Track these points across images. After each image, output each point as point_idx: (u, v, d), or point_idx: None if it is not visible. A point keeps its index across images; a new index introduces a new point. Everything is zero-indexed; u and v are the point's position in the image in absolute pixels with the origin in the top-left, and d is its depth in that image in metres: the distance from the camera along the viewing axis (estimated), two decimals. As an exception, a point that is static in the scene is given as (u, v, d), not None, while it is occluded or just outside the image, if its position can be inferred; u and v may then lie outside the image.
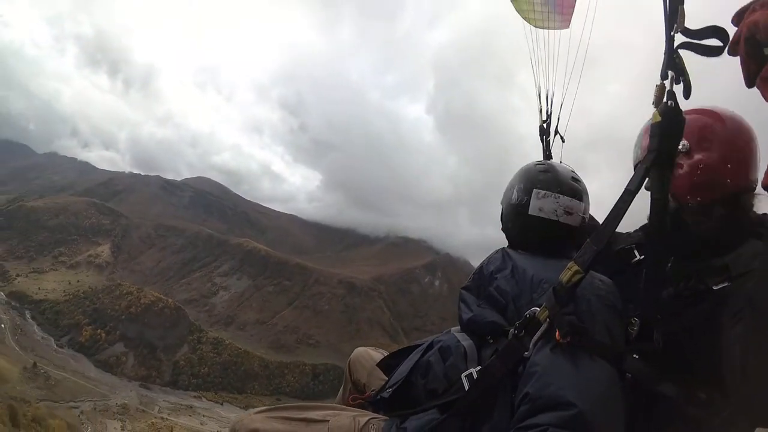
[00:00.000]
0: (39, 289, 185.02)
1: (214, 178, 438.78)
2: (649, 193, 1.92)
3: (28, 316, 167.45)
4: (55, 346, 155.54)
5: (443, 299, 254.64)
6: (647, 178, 1.90)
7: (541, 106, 3.95)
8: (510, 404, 1.81)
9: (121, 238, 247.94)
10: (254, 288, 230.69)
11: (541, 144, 4.05)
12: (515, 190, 2.47)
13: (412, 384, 2.18)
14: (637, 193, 1.90)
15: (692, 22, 1.82)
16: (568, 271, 1.84)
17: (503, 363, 1.87)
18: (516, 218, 2.46)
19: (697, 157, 2.17)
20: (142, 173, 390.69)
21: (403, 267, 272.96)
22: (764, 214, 2.18)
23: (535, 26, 4.09)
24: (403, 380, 2.19)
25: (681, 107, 1.90)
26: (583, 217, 2.40)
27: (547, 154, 3.93)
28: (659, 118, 1.88)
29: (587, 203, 2.44)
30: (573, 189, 2.39)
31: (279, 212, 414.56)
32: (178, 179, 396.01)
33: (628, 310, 2.00)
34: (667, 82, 1.89)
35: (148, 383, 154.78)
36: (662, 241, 1.91)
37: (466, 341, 2.11)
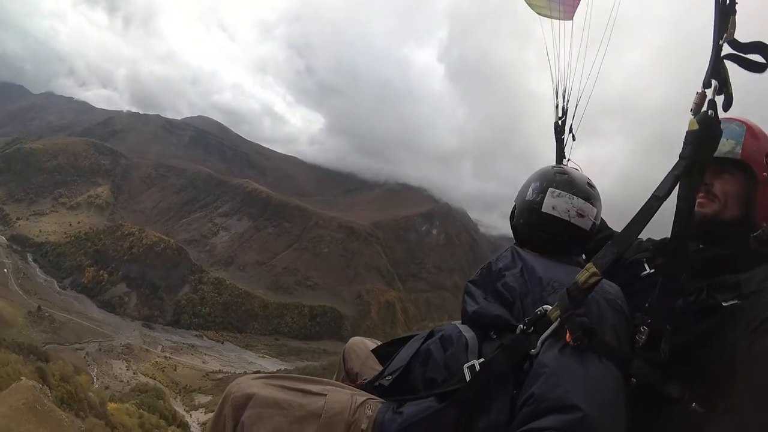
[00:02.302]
0: (40, 231, 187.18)
1: (214, 118, 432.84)
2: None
3: (30, 259, 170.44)
4: (58, 289, 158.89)
5: (439, 249, 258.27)
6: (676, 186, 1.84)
7: (557, 102, 3.83)
8: (510, 400, 1.81)
9: (120, 179, 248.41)
10: (254, 229, 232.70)
11: (555, 142, 3.92)
12: (531, 188, 2.48)
13: (410, 371, 2.18)
14: (665, 200, 1.85)
15: (740, 34, 1.76)
16: (586, 272, 1.82)
17: (508, 357, 1.86)
18: (528, 215, 2.47)
19: None
20: (142, 112, 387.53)
21: (401, 214, 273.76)
22: None
23: (538, 13, 4.03)
24: (403, 368, 2.19)
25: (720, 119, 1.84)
26: (594, 223, 2.42)
27: (561, 153, 3.83)
28: (696, 127, 1.83)
29: (599, 210, 2.46)
30: (587, 193, 2.41)
31: (280, 154, 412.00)
32: (179, 118, 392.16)
33: (636, 318, 1.98)
34: (708, 91, 1.84)
35: (151, 323, 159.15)
36: (683, 252, 1.87)
37: (468, 333, 2.10)
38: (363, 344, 3.08)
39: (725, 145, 2.14)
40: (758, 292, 1.85)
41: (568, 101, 3.73)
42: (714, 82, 1.82)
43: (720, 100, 1.82)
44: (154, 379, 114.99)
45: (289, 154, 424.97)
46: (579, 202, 2.37)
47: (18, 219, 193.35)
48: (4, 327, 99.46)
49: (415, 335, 2.44)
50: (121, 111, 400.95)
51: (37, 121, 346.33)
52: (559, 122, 3.80)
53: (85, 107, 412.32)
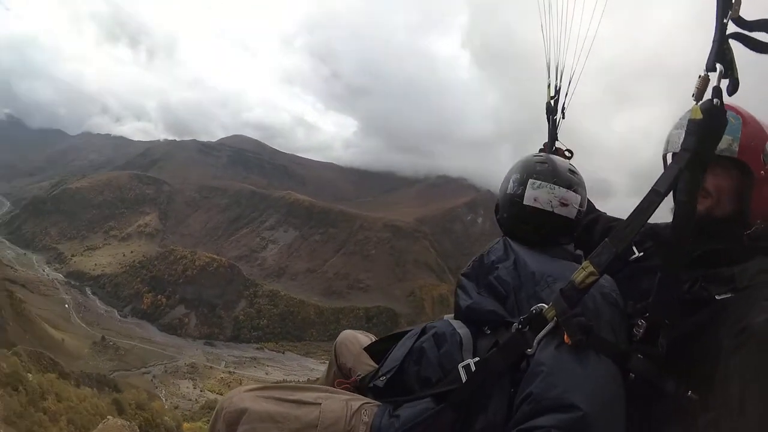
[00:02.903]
0: (95, 265, 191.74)
1: (248, 135, 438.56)
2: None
3: (88, 292, 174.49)
4: (119, 317, 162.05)
5: (486, 236, 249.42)
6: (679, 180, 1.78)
7: (550, 81, 3.60)
8: (508, 398, 1.78)
9: (166, 205, 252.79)
10: (301, 238, 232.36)
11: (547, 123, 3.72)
12: (511, 181, 2.44)
13: (404, 370, 2.13)
14: (666, 195, 1.79)
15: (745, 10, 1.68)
16: (583, 272, 1.76)
17: (504, 357, 1.83)
18: (511, 208, 2.43)
19: None
20: (178, 139, 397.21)
21: (444, 206, 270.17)
22: None
23: None
24: (397, 368, 2.15)
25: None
26: (579, 210, 2.38)
27: (553, 134, 3.64)
28: (700, 116, 1.75)
29: (584, 195, 2.41)
30: (569, 180, 2.36)
31: (317, 161, 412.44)
32: (214, 140, 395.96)
33: (631, 309, 1.97)
34: (712, 75, 1.75)
35: (212, 340, 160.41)
36: (684, 248, 1.81)
37: (461, 329, 2.06)
38: (355, 338, 3.02)
39: (722, 142, 1.99)
40: (751, 287, 1.83)
41: (561, 78, 3.52)
42: (719, 66, 1.72)
43: (724, 83, 1.73)
44: (221, 394, 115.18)
45: (326, 161, 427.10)
46: (561, 191, 2.33)
47: (73, 256, 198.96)
48: (71, 359, 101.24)
49: (408, 331, 2.39)
50: (158, 140, 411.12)
51: (78, 161, 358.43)
52: (551, 102, 3.64)
53: (122, 141, 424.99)
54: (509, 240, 2.31)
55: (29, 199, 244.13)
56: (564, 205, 2.32)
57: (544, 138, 3.02)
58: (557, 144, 3.56)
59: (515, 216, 2.41)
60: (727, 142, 2.01)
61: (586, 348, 1.70)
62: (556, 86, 3.58)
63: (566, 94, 3.55)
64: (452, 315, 2.28)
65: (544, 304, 1.81)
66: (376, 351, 2.60)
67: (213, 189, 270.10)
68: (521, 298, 1.99)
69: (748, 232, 2.04)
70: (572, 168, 2.45)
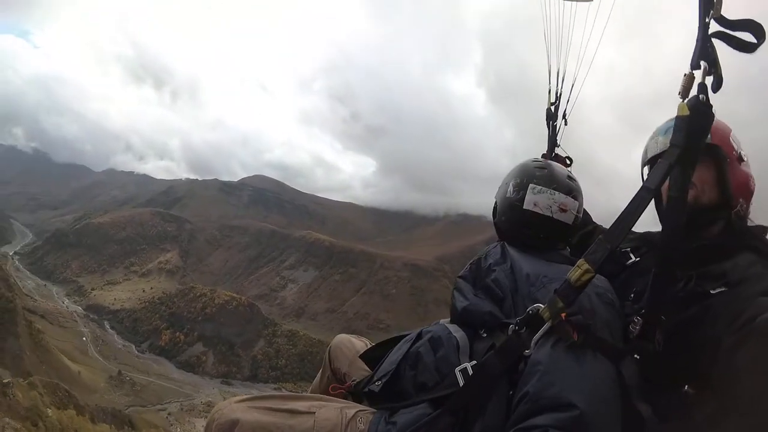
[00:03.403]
0: (115, 299, 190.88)
1: (269, 175, 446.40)
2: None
3: (107, 326, 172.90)
4: (137, 352, 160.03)
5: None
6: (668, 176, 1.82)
7: (551, 87, 3.54)
8: (506, 401, 1.77)
9: (187, 243, 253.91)
10: (321, 278, 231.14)
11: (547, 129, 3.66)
12: (511, 185, 2.46)
13: (400, 375, 2.10)
14: (656, 191, 1.83)
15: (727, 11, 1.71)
16: (578, 270, 1.77)
17: (502, 360, 1.81)
18: (510, 212, 2.45)
19: (745, 165, 2.18)
20: (200, 178, 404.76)
21: (465, 244, 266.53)
22: (759, 226, 2.18)
23: None
24: (393, 372, 2.12)
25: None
26: (576, 216, 2.41)
27: (553, 141, 3.58)
28: (687, 112, 1.79)
29: (581, 203, 2.44)
30: (569, 187, 2.39)
31: (336, 201, 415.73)
32: (235, 180, 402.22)
33: (626, 307, 2.00)
34: (697, 73, 1.79)
35: (230, 379, 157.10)
36: (677, 243, 1.84)
37: (458, 332, 2.06)
38: (350, 343, 3.00)
39: None
40: (744, 281, 1.86)
41: (563, 83, 3.49)
42: (703, 63, 1.76)
43: (708, 81, 1.77)
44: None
45: (346, 201, 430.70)
46: (561, 197, 2.35)
47: (93, 289, 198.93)
48: (87, 392, 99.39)
49: (405, 336, 2.38)
50: (180, 179, 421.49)
51: (102, 197, 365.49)
52: (552, 108, 3.60)
53: (145, 179, 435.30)
54: (506, 245, 2.33)
55: (52, 231, 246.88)
56: (563, 210, 2.34)
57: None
58: (557, 150, 3.52)
59: (514, 220, 2.43)
60: None
61: (583, 347, 1.70)
62: (557, 92, 3.53)
63: (568, 100, 3.49)
64: (449, 319, 2.27)
65: (540, 305, 1.82)
66: (372, 358, 2.54)
67: (234, 228, 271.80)
68: (518, 299, 1.99)
69: (734, 211, 2.14)
70: (571, 175, 2.48)
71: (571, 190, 2.39)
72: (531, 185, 2.37)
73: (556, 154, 3.47)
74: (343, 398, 2.47)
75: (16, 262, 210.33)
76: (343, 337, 3.08)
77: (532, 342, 1.75)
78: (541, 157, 3.37)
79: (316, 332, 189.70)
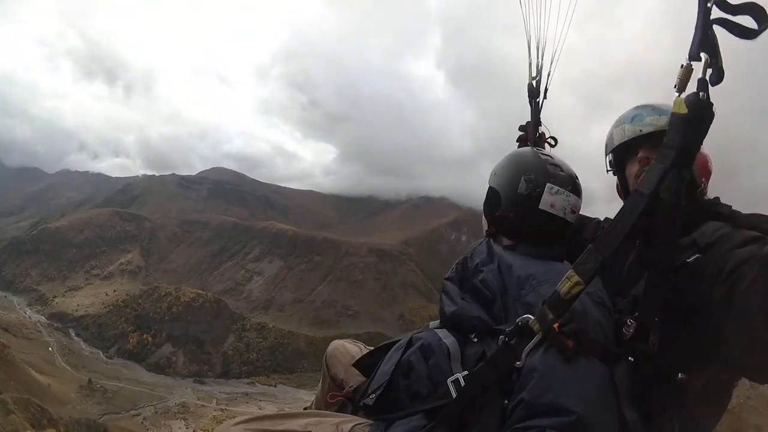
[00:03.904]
0: (78, 305, 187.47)
1: (228, 167, 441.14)
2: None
3: (72, 334, 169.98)
4: (105, 359, 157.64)
5: None
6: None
7: (530, 60, 3.33)
8: (499, 410, 1.76)
9: (148, 241, 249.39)
10: (287, 268, 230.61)
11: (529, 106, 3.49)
12: (523, 180, 2.33)
13: (393, 386, 2.09)
14: (651, 196, 1.74)
15: None
16: (568, 282, 1.72)
17: (493, 371, 1.79)
18: (521, 208, 2.34)
19: (702, 147, 2.08)
20: (157, 174, 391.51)
21: (428, 227, 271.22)
22: (716, 197, 2.21)
23: None
24: (386, 384, 2.11)
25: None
26: (577, 216, 2.40)
27: (536, 119, 3.43)
28: (685, 110, 1.69)
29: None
30: (579, 189, 2.37)
31: (298, 190, 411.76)
32: (194, 173, 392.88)
33: (620, 304, 1.97)
34: (696, 65, 1.69)
35: (202, 378, 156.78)
36: (672, 248, 1.81)
37: (448, 339, 2.03)
38: (344, 349, 3.02)
39: (661, 120, 2.21)
40: (714, 243, 1.89)
41: (543, 56, 3.26)
42: (703, 55, 1.66)
43: (708, 73, 1.67)
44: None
45: (307, 189, 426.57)
46: (574, 199, 2.32)
47: (54, 297, 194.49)
48: (59, 405, 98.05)
49: (396, 341, 2.35)
50: (137, 176, 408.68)
51: (57, 200, 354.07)
52: (533, 83, 3.40)
53: (101, 178, 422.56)
54: (492, 244, 2.31)
55: (8, 239, 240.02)
56: (573, 212, 2.32)
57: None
58: (542, 129, 3.41)
59: (526, 217, 2.33)
60: (666, 120, 2.01)
61: (577, 353, 1.68)
62: (538, 65, 3.31)
63: (548, 73, 3.29)
64: (437, 321, 2.27)
65: (529, 316, 1.77)
66: (365, 365, 2.53)
67: (195, 223, 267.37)
68: (507, 300, 1.96)
69: (699, 189, 2.20)
70: (576, 174, 2.44)
71: (580, 191, 2.36)
72: (548, 185, 2.29)
73: (542, 134, 3.40)
74: (343, 405, 2.54)
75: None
76: (337, 344, 3.09)
77: (523, 354, 1.73)
78: (519, 139, 3.50)
79: (286, 323, 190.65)
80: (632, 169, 2.38)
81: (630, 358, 1.78)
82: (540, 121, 3.41)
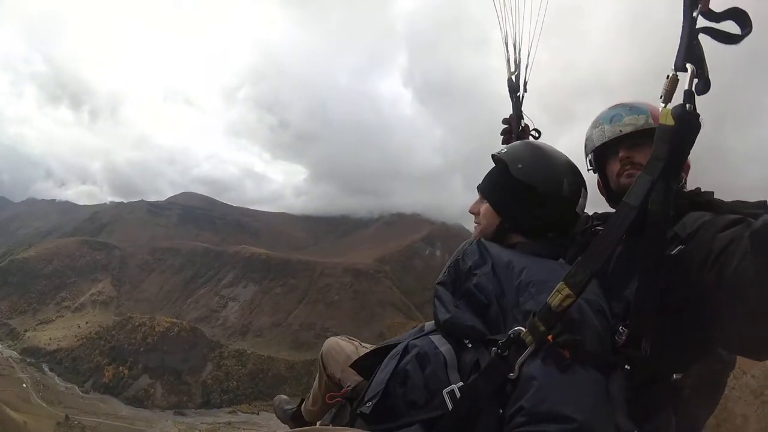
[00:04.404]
0: (50, 339, 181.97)
1: (198, 191, 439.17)
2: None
3: (46, 369, 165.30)
4: (81, 393, 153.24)
5: None
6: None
7: (508, 56, 3.39)
8: (496, 420, 1.76)
9: (119, 270, 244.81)
10: (262, 293, 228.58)
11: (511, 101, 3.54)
12: (566, 183, 2.28)
13: (389, 394, 2.05)
14: (640, 208, 1.76)
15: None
16: (558, 295, 1.73)
17: (487, 383, 1.79)
18: (564, 210, 2.30)
19: None
20: (125, 200, 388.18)
21: (402, 244, 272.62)
22: (696, 188, 2.22)
23: None
24: (382, 392, 2.07)
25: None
26: None
27: (518, 112, 3.46)
28: (671, 122, 1.71)
29: None
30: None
31: (269, 212, 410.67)
32: (162, 199, 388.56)
33: (615, 308, 1.95)
34: (682, 76, 1.70)
35: (182, 409, 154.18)
36: (661, 259, 1.81)
37: (443, 346, 2.01)
38: (339, 347, 3.03)
39: (639, 119, 2.31)
40: (695, 232, 1.91)
41: (520, 51, 3.35)
42: (690, 66, 1.68)
43: (694, 83, 1.69)
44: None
45: (279, 211, 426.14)
46: (586, 200, 2.38)
47: (26, 331, 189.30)
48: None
49: (392, 346, 2.30)
50: (105, 203, 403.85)
51: (23, 230, 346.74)
52: (513, 78, 3.44)
53: (68, 206, 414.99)
54: (483, 242, 2.24)
55: None
56: (583, 212, 2.38)
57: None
58: (525, 121, 3.43)
59: (556, 217, 2.30)
60: (644, 119, 2.29)
61: (574, 363, 1.69)
62: (515, 60, 3.37)
63: (527, 67, 3.35)
64: (432, 322, 2.25)
65: (521, 328, 1.77)
66: (363, 367, 2.49)
67: (166, 250, 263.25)
68: (505, 306, 1.93)
69: (680, 185, 2.21)
70: None
71: None
72: (583, 190, 2.33)
73: (525, 126, 3.40)
74: (342, 405, 2.54)
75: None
76: (332, 342, 3.08)
77: (516, 366, 1.73)
78: (503, 132, 3.49)
79: (264, 349, 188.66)
80: (614, 167, 2.43)
81: (626, 366, 1.78)
82: (522, 114, 3.43)
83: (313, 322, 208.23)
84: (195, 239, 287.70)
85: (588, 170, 2.58)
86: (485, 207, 2.41)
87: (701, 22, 1.65)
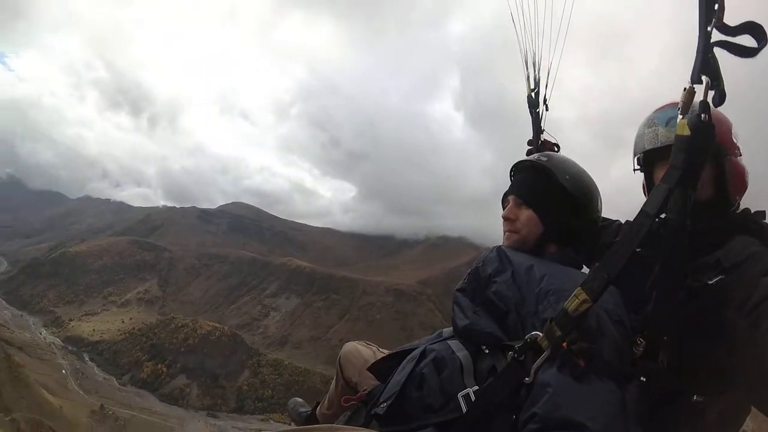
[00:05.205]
0: (94, 330, 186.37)
1: (248, 202, 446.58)
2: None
3: (86, 358, 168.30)
4: (118, 385, 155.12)
5: None
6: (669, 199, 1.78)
7: (528, 73, 3.41)
8: (509, 426, 1.76)
9: (166, 272, 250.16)
10: (304, 305, 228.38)
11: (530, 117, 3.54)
12: (599, 199, 2.41)
13: (405, 396, 2.06)
14: (657, 217, 1.79)
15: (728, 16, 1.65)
16: (575, 300, 1.73)
17: (502, 387, 1.80)
18: (595, 226, 2.42)
19: (740, 158, 2.15)
20: (177, 206, 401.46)
21: (446, 267, 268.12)
22: (745, 209, 2.15)
23: None
24: (397, 394, 2.07)
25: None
26: None
27: (538, 127, 3.44)
28: (688, 132, 1.74)
29: None
30: None
31: (316, 227, 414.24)
32: (214, 207, 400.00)
33: (632, 321, 1.93)
34: (698, 88, 1.73)
35: (215, 411, 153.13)
36: (680, 268, 1.81)
37: (460, 351, 2.03)
38: (357, 351, 3.06)
39: None
40: (740, 264, 1.85)
41: (539, 69, 3.37)
42: (705, 78, 1.71)
43: (710, 95, 1.72)
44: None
45: (326, 226, 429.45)
46: None
47: (71, 320, 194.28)
48: (70, 428, 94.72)
49: (410, 350, 2.33)
50: (158, 206, 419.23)
51: (77, 225, 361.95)
52: (532, 94, 3.46)
53: (122, 207, 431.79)
54: (504, 249, 2.26)
55: (27, 260, 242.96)
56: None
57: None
58: (544, 136, 3.44)
59: (590, 231, 2.40)
60: None
61: (589, 372, 1.68)
62: (535, 78, 3.40)
63: (546, 85, 3.36)
64: (451, 329, 2.26)
65: (538, 333, 1.79)
66: (380, 370, 2.49)
67: (213, 256, 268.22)
68: (525, 313, 1.94)
69: (732, 209, 2.12)
70: None
71: None
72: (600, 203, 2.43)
73: (545, 140, 3.40)
74: (357, 408, 2.48)
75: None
76: (350, 346, 3.12)
77: (532, 370, 1.74)
78: (528, 143, 3.46)
79: (301, 361, 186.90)
80: (660, 173, 2.19)
81: (642, 378, 1.77)
82: (542, 129, 3.43)
83: (352, 339, 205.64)
84: (242, 248, 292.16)
85: (634, 171, 2.50)
86: (528, 215, 2.35)
87: (717, 36, 1.67)
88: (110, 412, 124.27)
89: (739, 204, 2.14)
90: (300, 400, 3.98)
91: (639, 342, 1.81)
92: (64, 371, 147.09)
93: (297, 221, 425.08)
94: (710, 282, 1.85)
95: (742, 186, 2.14)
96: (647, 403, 1.76)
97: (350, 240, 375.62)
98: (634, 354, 1.81)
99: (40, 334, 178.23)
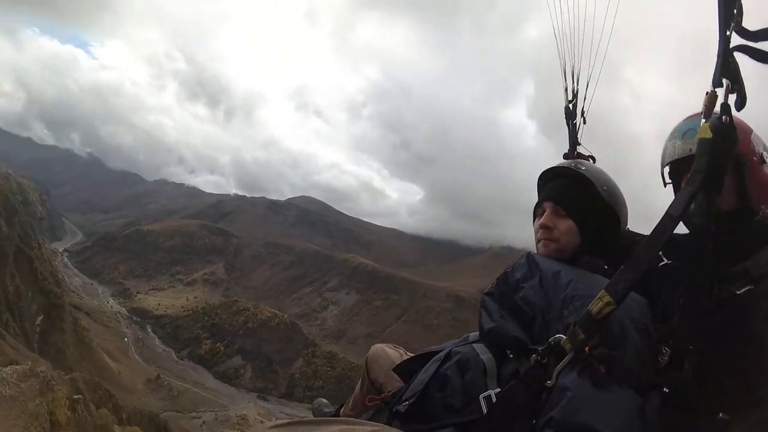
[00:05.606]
0: (159, 305, 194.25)
1: (316, 197, 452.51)
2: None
3: (149, 330, 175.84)
4: (176, 358, 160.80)
5: None
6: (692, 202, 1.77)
7: (566, 85, 3.45)
8: (529, 429, 1.77)
9: (233, 257, 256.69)
10: (363, 302, 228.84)
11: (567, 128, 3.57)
12: (627, 213, 2.48)
13: (427, 396, 2.09)
14: (680, 219, 1.78)
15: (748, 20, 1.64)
16: (599, 302, 1.72)
17: (524, 389, 1.81)
18: (618, 236, 2.44)
19: (765, 166, 2.12)
20: (248, 195, 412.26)
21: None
22: None
23: None
24: (420, 393, 2.10)
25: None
26: None
27: (574, 139, 3.48)
28: (710, 135, 1.74)
29: None
30: None
31: (381, 227, 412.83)
32: (282, 199, 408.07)
33: (657, 332, 1.92)
34: (719, 91, 1.73)
35: (265, 395, 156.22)
36: (705, 270, 1.79)
37: (485, 354, 2.05)
38: (384, 353, 3.08)
39: None
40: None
41: (578, 81, 3.41)
42: (725, 81, 1.71)
43: (732, 98, 1.72)
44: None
45: (391, 227, 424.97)
46: None
47: (138, 293, 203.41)
48: (125, 393, 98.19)
49: (436, 352, 2.35)
50: (229, 194, 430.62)
51: (152, 205, 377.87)
52: (570, 106, 3.51)
53: (195, 192, 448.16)
54: (533, 255, 2.27)
55: (102, 234, 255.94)
56: None
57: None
58: (579, 149, 3.46)
59: (617, 243, 2.42)
60: None
61: (609, 379, 1.68)
62: (573, 89, 3.45)
63: (584, 97, 3.41)
64: (477, 333, 2.27)
65: (561, 335, 1.79)
66: (406, 371, 2.52)
67: (279, 246, 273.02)
68: (550, 319, 1.95)
69: (756, 218, 2.09)
70: None
71: None
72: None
73: (579, 153, 3.41)
74: (380, 409, 2.48)
75: (65, 259, 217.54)
76: (378, 348, 3.16)
77: (554, 373, 1.74)
78: (563, 157, 3.44)
79: (355, 356, 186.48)
80: None
81: (665, 389, 1.75)
82: (578, 141, 3.46)
83: (407, 341, 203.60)
84: (308, 241, 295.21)
85: (665, 185, 2.49)
86: (568, 224, 2.36)
87: (738, 40, 1.67)
88: (165, 382, 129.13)
89: (765, 213, 2.09)
90: (325, 401, 3.92)
91: (664, 351, 1.79)
92: (126, 339, 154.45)
93: (363, 219, 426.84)
94: (738, 292, 1.83)
95: (766, 195, 2.10)
96: (669, 417, 1.72)
97: (414, 242, 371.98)
98: (658, 363, 1.80)
99: (108, 302, 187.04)
